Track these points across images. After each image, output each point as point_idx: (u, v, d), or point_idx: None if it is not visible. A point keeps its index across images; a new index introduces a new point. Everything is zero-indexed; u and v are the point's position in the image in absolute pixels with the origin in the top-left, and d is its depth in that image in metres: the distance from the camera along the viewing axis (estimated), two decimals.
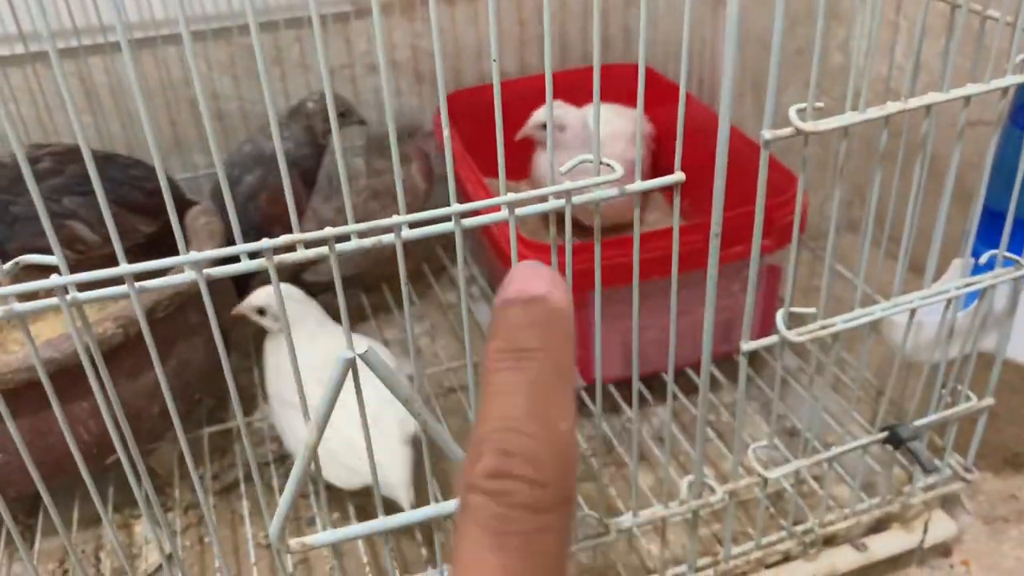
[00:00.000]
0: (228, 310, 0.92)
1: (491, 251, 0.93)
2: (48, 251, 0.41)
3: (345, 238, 0.43)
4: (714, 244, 0.51)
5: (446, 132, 0.46)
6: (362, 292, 1.06)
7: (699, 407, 0.58)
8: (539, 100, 0.88)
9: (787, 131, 0.49)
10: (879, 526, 0.74)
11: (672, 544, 0.73)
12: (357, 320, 1.02)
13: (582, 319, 0.82)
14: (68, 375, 0.71)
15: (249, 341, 0.99)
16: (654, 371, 0.82)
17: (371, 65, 1.10)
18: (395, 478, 0.68)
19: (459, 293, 1.04)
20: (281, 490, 0.81)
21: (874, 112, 0.51)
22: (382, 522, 0.51)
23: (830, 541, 0.72)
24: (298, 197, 0.94)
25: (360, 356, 0.45)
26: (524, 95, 0.85)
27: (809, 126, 0.49)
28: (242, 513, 0.81)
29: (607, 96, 0.81)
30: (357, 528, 0.51)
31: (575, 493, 0.25)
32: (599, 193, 0.46)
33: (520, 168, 0.98)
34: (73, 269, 0.77)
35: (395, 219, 0.43)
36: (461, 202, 0.45)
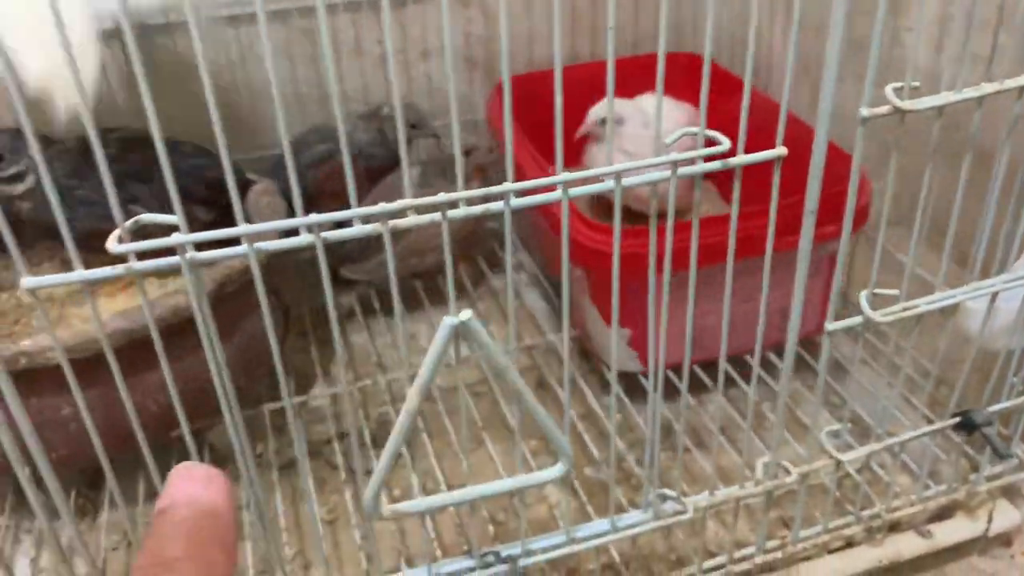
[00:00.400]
0: (289, 289, 0.93)
1: (548, 234, 0.93)
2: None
3: (454, 205, 0.44)
4: (808, 222, 0.51)
5: (507, 119, 0.46)
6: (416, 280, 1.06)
7: (780, 388, 0.59)
8: (590, 88, 0.88)
9: (884, 109, 0.49)
10: (943, 514, 0.74)
11: (739, 530, 0.73)
12: (416, 303, 1.03)
13: (643, 303, 0.82)
14: (138, 347, 0.72)
15: (306, 319, 1.00)
16: (710, 357, 0.82)
17: (424, 51, 1.11)
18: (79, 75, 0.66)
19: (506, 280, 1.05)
20: (342, 468, 0.82)
21: (970, 92, 0.51)
22: (471, 491, 0.52)
23: (895, 527, 0.72)
24: (359, 180, 0.95)
25: (463, 322, 0.46)
26: (576, 82, 0.86)
27: (908, 104, 0.49)
28: (304, 488, 0.82)
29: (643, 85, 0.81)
30: (448, 496, 0.51)
31: None
32: (701, 167, 0.46)
33: (573, 158, 0.98)
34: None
35: (505, 186, 0.44)
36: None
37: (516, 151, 0.93)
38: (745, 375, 0.84)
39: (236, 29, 1.02)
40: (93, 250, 0.80)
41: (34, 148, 0.38)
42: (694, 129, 0.46)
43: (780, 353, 0.88)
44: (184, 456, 0.84)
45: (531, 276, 1.09)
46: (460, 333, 0.46)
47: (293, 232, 0.43)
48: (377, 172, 1.00)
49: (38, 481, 0.48)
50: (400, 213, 0.43)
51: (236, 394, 0.82)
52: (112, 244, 0.40)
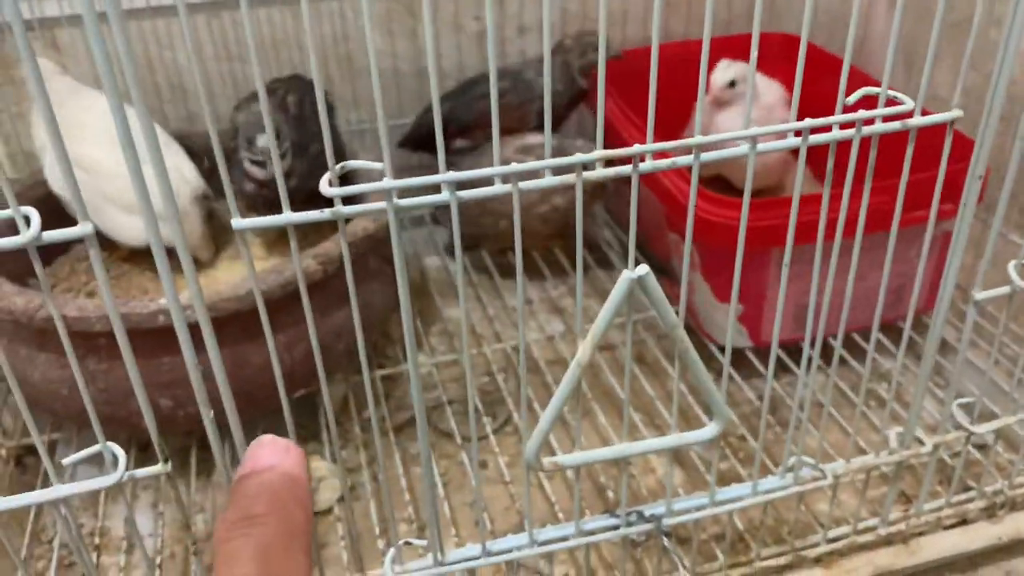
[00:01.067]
0: (391, 263, 0.94)
1: (655, 205, 0.93)
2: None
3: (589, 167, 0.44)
4: (975, 185, 0.51)
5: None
6: (510, 253, 1.07)
7: (924, 359, 0.59)
8: (684, 66, 0.89)
9: None
10: None
11: (844, 505, 0.74)
12: (510, 277, 1.04)
13: (757, 279, 0.83)
14: (269, 309, 0.74)
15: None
16: (827, 333, 0.82)
17: (521, 27, 1.11)
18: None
19: (596, 257, 1.06)
20: (452, 433, 0.84)
21: None
22: (628, 447, 0.52)
23: (1014, 506, 0.72)
24: (522, 122, 0.97)
25: (642, 277, 0.46)
26: (668, 61, 0.86)
27: None
28: (414, 452, 0.83)
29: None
30: (605, 451, 0.52)
31: None
32: (880, 126, 0.47)
33: (673, 134, 0.99)
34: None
35: (636, 148, 0.44)
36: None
37: (622, 123, 0.93)
38: (855, 354, 0.84)
39: (339, 3, 1.03)
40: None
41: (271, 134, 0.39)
42: (875, 89, 0.46)
43: (889, 331, 0.88)
44: (301, 418, 0.86)
45: (619, 251, 1.10)
46: (635, 288, 0.47)
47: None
48: (563, 109, 1.02)
49: (140, 441, 0.50)
50: (536, 173, 0.44)
51: (351, 358, 0.83)
52: (324, 187, 0.41)
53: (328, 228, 0.83)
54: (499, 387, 0.89)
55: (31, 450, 0.85)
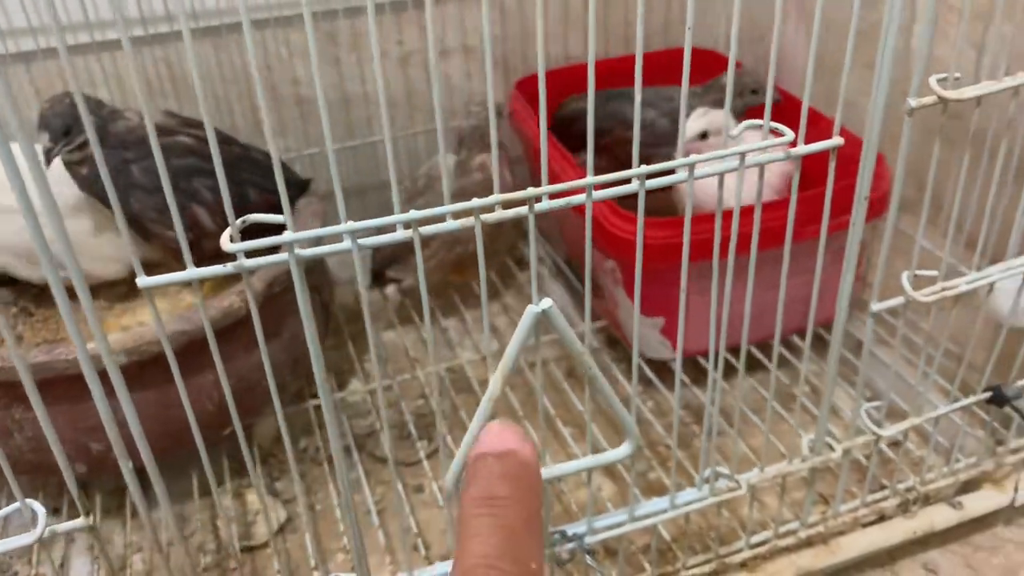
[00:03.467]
0: (327, 290, 0.95)
1: (578, 228, 0.95)
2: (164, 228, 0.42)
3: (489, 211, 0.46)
4: (861, 207, 0.54)
5: (543, 115, 0.47)
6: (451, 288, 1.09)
7: (829, 366, 0.61)
8: (606, 84, 0.90)
9: (930, 99, 0.52)
10: (969, 487, 0.77)
11: (768, 507, 0.76)
12: (450, 309, 1.05)
13: (675, 292, 0.85)
14: (194, 349, 0.74)
15: (339, 316, 1.02)
16: (734, 344, 0.85)
17: (444, 51, 1.13)
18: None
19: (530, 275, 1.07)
20: (384, 458, 0.84)
21: (1010, 81, 0.54)
22: (545, 471, 0.54)
23: (926, 500, 0.75)
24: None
25: (545, 311, 0.48)
26: (607, 77, 0.88)
27: (953, 94, 0.52)
28: (350, 480, 0.84)
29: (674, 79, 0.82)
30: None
31: None
32: (767, 156, 0.49)
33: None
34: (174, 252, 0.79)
35: (588, 180, 0.46)
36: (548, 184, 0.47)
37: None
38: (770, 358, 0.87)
39: (262, 32, 1.03)
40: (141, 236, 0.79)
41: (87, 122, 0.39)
42: (758, 121, 0.49)
43: (802, 337, 0.91)
44: (234, 454, 0.86)
45: (552, 269, 1.12)
46: (541, 320, 0.49)
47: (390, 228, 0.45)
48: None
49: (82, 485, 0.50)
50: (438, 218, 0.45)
51: (281, 391, 0.84)
52: (225, 242, 0.42)
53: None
54: (432, 410, 0.91)
55: None
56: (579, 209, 0.87)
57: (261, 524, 0.80)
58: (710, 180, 0.50)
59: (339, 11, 1.05)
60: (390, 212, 0.45)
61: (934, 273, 0.60)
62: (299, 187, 0.91)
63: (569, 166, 0.90)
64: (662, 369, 0.90)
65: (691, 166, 0.48)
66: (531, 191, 0.46)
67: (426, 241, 0.96)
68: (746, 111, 0.97)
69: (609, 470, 0.83)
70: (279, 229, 0.44)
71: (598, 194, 0.49)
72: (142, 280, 0.42)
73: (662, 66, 0.88)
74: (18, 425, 0.73)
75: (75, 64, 0.98)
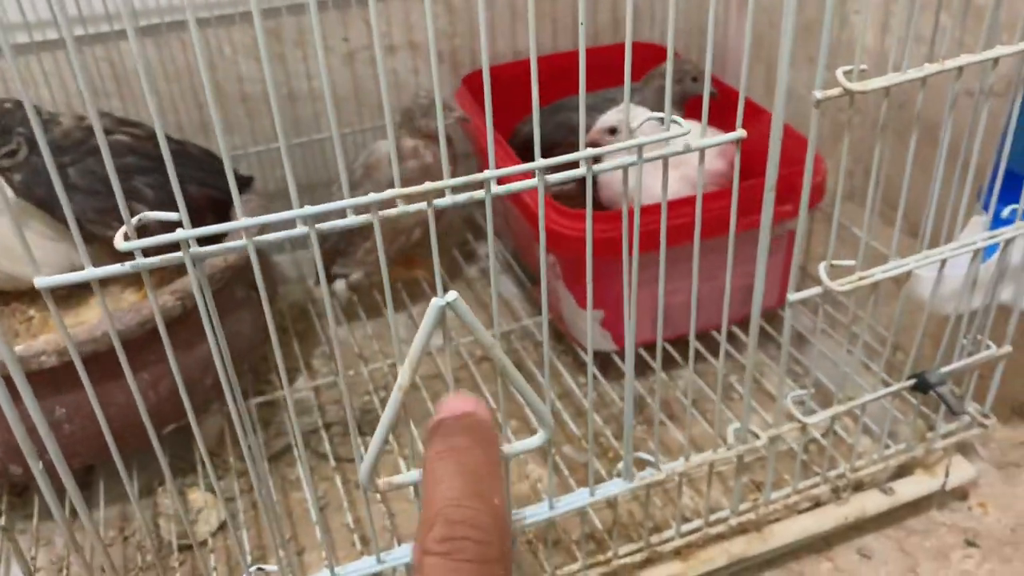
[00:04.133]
0: (272, 285, 0.95)
1: (521, 222, 0.96)
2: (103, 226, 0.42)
3: (440, 195, 0.47)
4: (768, 199, 0.54)
5: (489, 109, 0.48)
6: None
7: (748, 359, 0.62)
8: (553, 79, 0.91)
9: (836, 91, 0.53)
10: (902, 472, 0.79)
11: (705, 497, 0.77)
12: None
13: (614, 285, 0.86)
14: (129, 348, 0.74)
15: (285, 314, 1.02)
16: (681, 334, 0.86)
17: (390, 46, 1.13)
18: None
19: (481, 268, 1.08)
20: (330, 456, 0.85)
21: (914, 73, 0.55)
22: None
23: (859, 486, 0.76)
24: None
25: (450, 304, 0.49)
26: (542, 74, 0.88)
27: (857, 86, 0.53)
28: (292, 478, 0.85)
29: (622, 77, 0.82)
30: None
31: (511, 551, 0.31)
32: (667, 150, 0.50)
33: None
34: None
35: (486, 174, 0.47)
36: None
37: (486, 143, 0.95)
38: (712, 350, 0.88)
39: (203, 31, 1.03)
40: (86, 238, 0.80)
41: (34, 121, 0.40)
42: (659, 114, 0.49)
43: (745, 327, 0.92)
44: (175, 452, 0.86)
45: (502, 263, 1.12)
46: (446, 313, 0.49)
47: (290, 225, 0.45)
48: None
49: (23, 488, 0.50)
50: (389, 203, 0.46)
51: (219, 389, 0.84)
52: (119, 241, 0.42)
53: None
54: (377, 406, 0.91)
55: None
56: (524, 204, 0.88)
57: (203, 523, 0.81)
58: (645, 175, 0.51)
59: (282, 8, 1.05)
60: None
61: (851, 263, 0.61)
62: (242, 184, 0.91)
63: (511, 161, 0.91)
64: (606, 361, 0.90)
65: (590, 159, 0.48)
66: (485, 174, 0.47)
67: (367, 233, 0.97)
68: (687, 99, 0.98)
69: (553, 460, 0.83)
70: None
71: (548, 178, 0.50)
72: (40, 281, 0.43)
73: (609, 61, 0.88)
74: None
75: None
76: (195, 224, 0.43)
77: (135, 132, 0.85)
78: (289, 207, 0.45)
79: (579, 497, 0.62)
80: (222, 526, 0.81)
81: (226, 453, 0.86)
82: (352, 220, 0.46)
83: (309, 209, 0.44)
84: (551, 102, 1.03)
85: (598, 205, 1.01)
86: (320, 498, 0.82)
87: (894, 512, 0.78)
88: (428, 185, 0.46)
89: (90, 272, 0.43)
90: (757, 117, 0.92)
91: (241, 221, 0.44)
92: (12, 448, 0.75)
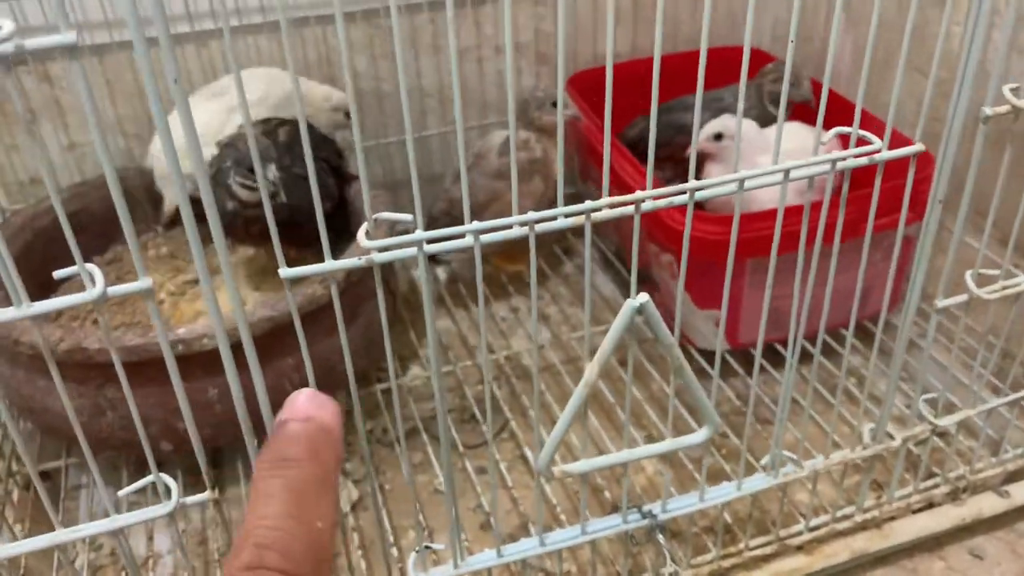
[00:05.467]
0: (393, 279, 0.99)
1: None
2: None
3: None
4: (935, 209, 0.57)
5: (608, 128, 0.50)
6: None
7: (895, 357, 0.65)
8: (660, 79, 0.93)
9: (1004, 108, 0.55)
10: (1015, 476, 0.81)
11: (819, 493, 0.80)
12: (501, 294, 1.09)
13: (733, 287, 0.88)
14: (277, 334, 0.77)
15: (400, 304, 1.05)
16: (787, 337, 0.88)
17: (497, 47, 1.16)
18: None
19: (578, 264, 1.10)
20: (459, 442, 0.88)
21: None
22: (628, 453, 0.58)
23: (975, 489, 0.79)
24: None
25: (643, 304, 0.52)
26: (643, 77, 0.91)
27: None
28: (416, 462, 0.88)
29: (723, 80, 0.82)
30: (611, 458, 0.57)
31: None
32: (852, 162, 0.52)
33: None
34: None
35: (639, 194, 0.50)
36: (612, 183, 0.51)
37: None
38: (827, 353, 0.90)
39: (323, 28, 1.07)
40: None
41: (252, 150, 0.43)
42: (847, 129, 0.52)
43: (856, 332, 0.95)
44: None
45: (600, 261, 1.15)
46: (639, 313, 0.52)
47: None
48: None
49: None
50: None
51: (356, 375, 0.87)
52: (362, 238, 0.45)
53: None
54: (494, 395, 0.94)
55: (45, 475, 0.88)
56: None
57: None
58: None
59: (402, 7, 1.08)
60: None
61: (996, 272, 0.63)
62: (350, 179, 0.95)
63: (627, 163, 0.93)
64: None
65: (741, 181, 0.51)
66: (588, 204, 0.49)
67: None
68: (790, 106, 1.00)
69: (667, 456, 0.86)
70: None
71: (649, 205, 0.52)
72: (284, 271, 0.46)
73: (711, 65, 0.90)
74: (111, 404, 0.77)
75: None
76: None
77: (279, 123, 0.90)
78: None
79: (726, 491, 0.65)
80: (352, 507, 0.84)
81: (354, 436, 0.89)
82: (515, 232, 0.48)
83: (478, 224, 0.47)
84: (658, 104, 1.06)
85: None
86: (441, 481, 0.86)
87: (1006, 515, 0.80)
88: (588, 204, 0.48)
89: (330, 264, 0.47)
90: (867, 123, 0.94)
91: (471, 225, 0.47)
92: (167, 426, 0.79)
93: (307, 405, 0.33)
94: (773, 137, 0.94)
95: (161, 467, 0.88)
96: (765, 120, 1.01)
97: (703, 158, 0.96)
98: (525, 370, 0.98)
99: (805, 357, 0.93)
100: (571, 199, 0.48)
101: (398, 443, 0.89)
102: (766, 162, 0.95)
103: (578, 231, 0.50)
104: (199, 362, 0.75)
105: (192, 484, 0.86)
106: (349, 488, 0.85)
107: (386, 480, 0.87)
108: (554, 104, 0.99)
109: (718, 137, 0.93)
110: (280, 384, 0.80)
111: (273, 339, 0.76)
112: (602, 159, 0.51)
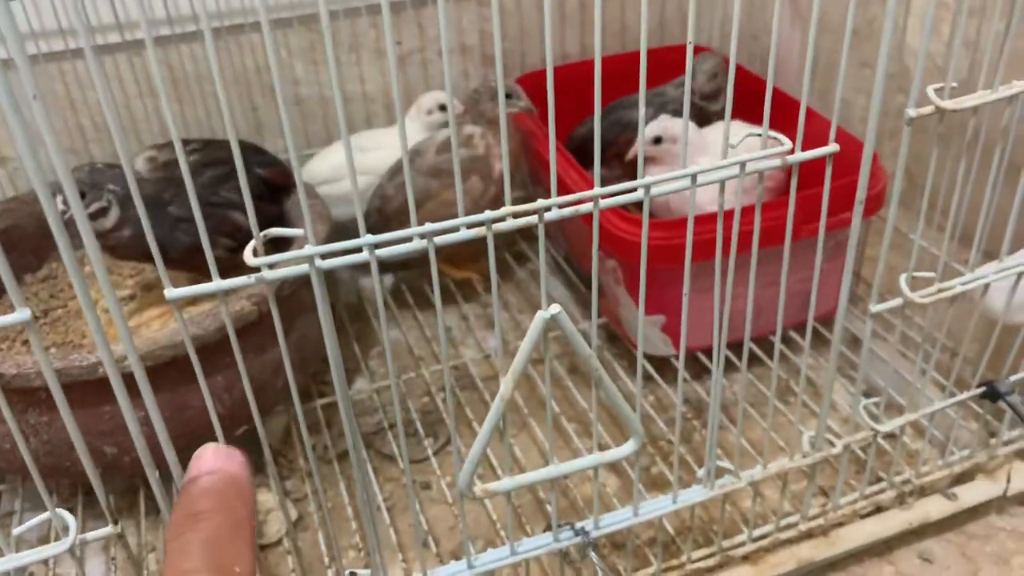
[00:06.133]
0: (333, 287, 0.96)
1: (579, 226, 0.97)
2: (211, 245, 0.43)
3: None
4: (858, 211, 0.55)
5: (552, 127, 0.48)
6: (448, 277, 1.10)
7: (830, 363, 0.63)
8: (606, 84, 0.92)
9: (928, 109, 0.54)
10: (963, 478, 0.79)
11: (767, 500, 0.78)
12: (450, 301, 1.07)
13: (675, 291, 0.87)
14: (205, 351, 0.75)
15: (343, 314, 1.03)
16: (738, 339, 0.87)
17: (439, 49, 1.14)
18: None
19: (530, 269, 1.08)
20: (394, 456, 0.86)
21: (1005, 91, 0.55)
22: (555, 469, 0.56)
23: (922, 492, 0.77)
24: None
25: (554, 315, 0.50)
26: (591, 78, 0.89)
27: (950, 104, 0.53)
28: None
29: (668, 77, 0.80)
30: (535, 475, 0.56)
31: None
32: (765, 164, 0.51)
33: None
34: (229, 257, 0.81)
35: (595, 191, 0.48)
36: (551, 186, 0.49)
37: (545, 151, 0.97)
38: (767, 353, 0.88)
39: (260, 34, 1.04)
40: (191, 265, 0.81)
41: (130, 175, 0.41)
42: (757, 130, 0.50)
43: (800, 332, 0.93)
44: (251, 448, 0.87)
45: (551, 265, 1.13)
46: (548, 326, 0.50)
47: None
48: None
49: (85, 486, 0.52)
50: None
51: (289, 391, 0.85)
52: (249, 257, 0.43)
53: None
54: (438, 407, 0.92)
55: None
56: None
57: (271, 523, 0.82)
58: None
59: (339, 12, 1.06)
60: None
61: (932, 275, 0.62)
62: (289, 187, 0.93)
63: (572, 168, 0.92)
64: (663, 365, 0.91)
65: (693, 176, 0.49)
66: (541, 203, 0.47)
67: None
68: (716, 94, 1.00)
69: (613, 465, 0.84)
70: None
71: (604, 202, 0.51)
72: (170, 292, 0.44)
73: (656, 63, 0.89)
74: (33, 430, 0.74)
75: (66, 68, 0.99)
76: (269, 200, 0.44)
77: (195, 147, 0.87)
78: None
79: (661, 504, 0.63)
80: (296, 523, 0.82)
81: (293, 454, 0.87)
82: (414, 245, 0.46)
83: (372, 238, 0.45)
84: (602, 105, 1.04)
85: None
86: (386, 499, 0.84)
87: (955, 517, 0.79)
88: (488, 214, 0.46)
89: (217, 284, 0.44)
90: (809, 121, 0.93)
91: (364, 239, 0.45)
92: (94, 450, 0.77)
93: (213, 459, 0.35)
94: (711, 138, 0.93)
95: (89, 494, 0.86)
96: (701, 118, 1.00)
97: (645, 161, 0.94)
98: (471, 381, 0.96)
99: (758, 362, 0.92)
100: (519, 202, 0.47)
101: (338, 461, 0.87)
102: (706, 163, 0.94)
103: (528, 235, 0.49)
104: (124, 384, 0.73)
105: (128, 507, 0.85)
106: (288, 508, 0.83)
107: (327, 499, 0.85)
108: (508, 96, 0.97)
109: (657, 140, 0.91)
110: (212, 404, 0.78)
111: (201, 358, 0.74)
112: (547, 163, 0.49)
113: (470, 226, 0.47)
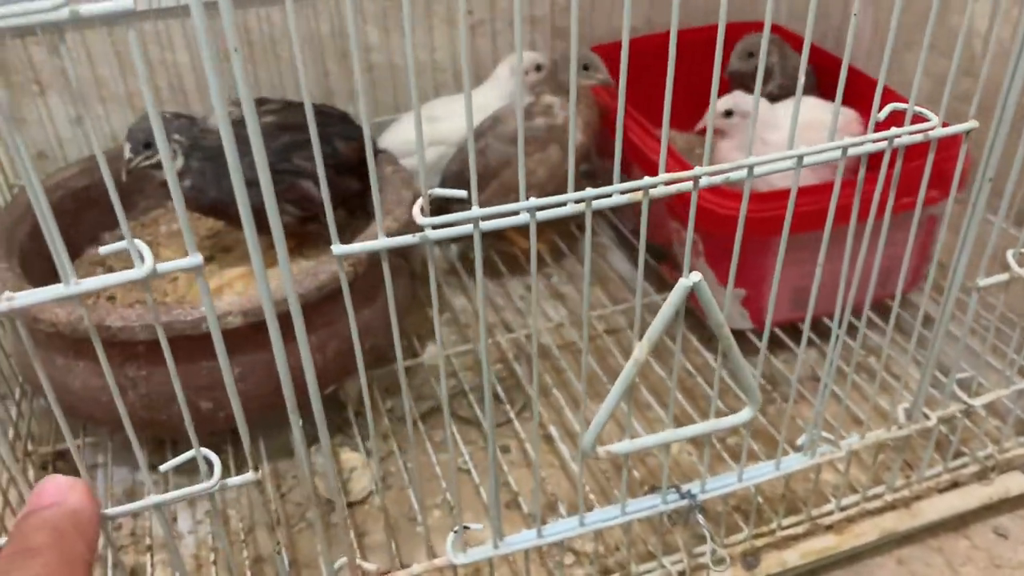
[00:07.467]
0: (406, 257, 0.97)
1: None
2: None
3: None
4: (985, 187, 0.56)
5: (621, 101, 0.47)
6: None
7: (934, 338, 0.64)
8: (655, 60, 0.92)
9: None
10: None
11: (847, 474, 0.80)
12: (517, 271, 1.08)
13: (759, 265, 0.88)
14: (303, 312, 0.76)
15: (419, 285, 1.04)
16: (814, 316, 0.88)
17: (510, 20, 1.14)
18: None
19: (595, 242, 1.08)
20: (469, 420, 0.87)
21: None
22: (672, 433, 0.57)
23: (1003, 468, 0.79)
24: None
25: (695, 283, 0.51)
26: (657, 52, 0.89)
27: None
28: (437, 440, 0.87)
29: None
30: (653, 438, 0.57)
31: None
32: (907, 139, 0.51)
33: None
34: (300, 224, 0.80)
35: (696, 171, 0.49)
36: (639, 161, 0.50)
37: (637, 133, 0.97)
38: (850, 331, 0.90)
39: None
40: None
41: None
42: (903, 105, 0.51)
43: (876, 311, 0.94)
44: (332, 408, 0.88)
45: (612, 239, 1.14)
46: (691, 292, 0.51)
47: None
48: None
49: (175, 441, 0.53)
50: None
51: (375, 353, 0.86)
52: (418, 215, 0.44)
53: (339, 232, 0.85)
54: (514, 373, 0.93)
55: (61, 455, 0.86)
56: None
57: (355, 481, 0.83)
58: None
59: None
60: None
61: None
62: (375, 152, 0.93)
63: (650, 137, 0.92)
64: (740, 339, 0.92)
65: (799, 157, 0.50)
66: (647, 180, 0.48)
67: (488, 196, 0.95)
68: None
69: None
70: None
71: (707, 181, 0.51)
72: (337, 248, 0.45)
73: (701, 42, 0.89)
74: (131, 383, 0.75)
75: (147, 29, 1.00)
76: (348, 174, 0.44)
77: (273, 108, 0.87)
78: None
79: (764, 470, 0.64)
80: (376, 486, 0.83)
81: (374, 414, 0.88)
82: (569, 209, 0.47)
83: (530, 202, 0.46)
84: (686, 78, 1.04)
85: None
86: (465, 462, 0.85)
87: None
88: (645, 180, 0.47)
89: (383, 242, 0.45)
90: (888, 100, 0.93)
91: (473, 211, 0.45)
92: (189, 404, 0.78)
93: (55, 491, 0.33)
94: (782, 113, 0.94)
95: (177, 447, 0.88)
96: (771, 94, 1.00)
97: (714, 134, 0.95)
98: (544, 348, 0.97)
99: (826, 337, 0.92)
100: (587, 175, 0.48)
101: (422, 422, 0.88)
102: (777, 139, 0.95)
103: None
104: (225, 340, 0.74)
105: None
106: (372, 467, 0.84)
107: (408, 459, 0.86)
108: (587, 67, 0.98)
109: (728, 114, 0.92)
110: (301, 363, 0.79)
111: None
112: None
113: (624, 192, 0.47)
